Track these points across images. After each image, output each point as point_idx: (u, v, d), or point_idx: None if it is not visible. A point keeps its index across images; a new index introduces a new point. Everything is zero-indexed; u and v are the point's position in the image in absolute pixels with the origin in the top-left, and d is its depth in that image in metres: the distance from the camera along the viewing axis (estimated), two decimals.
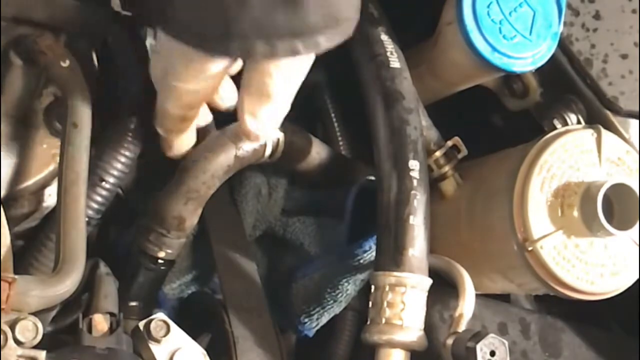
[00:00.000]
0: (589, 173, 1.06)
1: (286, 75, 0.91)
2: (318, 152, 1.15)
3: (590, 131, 1.08)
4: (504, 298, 1.23)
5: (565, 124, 1.12)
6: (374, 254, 1.09)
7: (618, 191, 1.02)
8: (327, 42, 0.87)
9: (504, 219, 1.04)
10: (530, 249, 1.02)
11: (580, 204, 1.03)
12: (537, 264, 1.03)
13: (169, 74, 0.93)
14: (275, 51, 0.85)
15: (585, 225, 1.03)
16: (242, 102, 0.94)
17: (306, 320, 1.17)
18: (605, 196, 1.01)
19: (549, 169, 1.04)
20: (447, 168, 1.13)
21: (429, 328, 1.03)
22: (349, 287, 1.14)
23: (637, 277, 1.08)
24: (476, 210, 1.09)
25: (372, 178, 1.12)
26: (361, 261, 1.12)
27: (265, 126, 0.95)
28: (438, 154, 1.12)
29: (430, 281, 1.01)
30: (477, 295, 1.05)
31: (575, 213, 1.03)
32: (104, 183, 1.01)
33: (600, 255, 1.05)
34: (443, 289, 1.08)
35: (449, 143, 1.12)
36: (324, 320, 1.17)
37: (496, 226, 1.06)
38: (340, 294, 1.14)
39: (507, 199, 1.04)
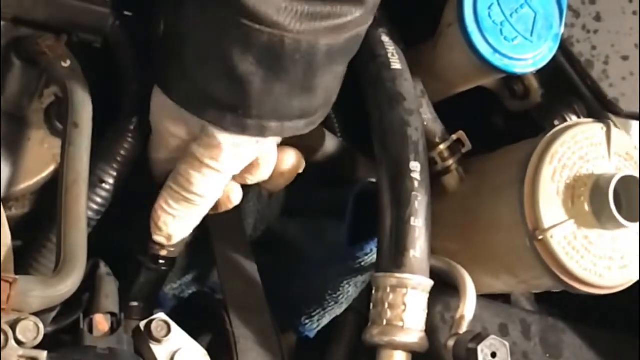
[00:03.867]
0: (598, 165, 1.06)
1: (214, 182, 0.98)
2: (326, 146, 1.15)
3: (600, 125, 1.08)
4: (505, 299, 1.23)
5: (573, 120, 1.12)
6: (374, 255, 1.09)
7: (626, 184, 1.02)
8: (319, 119, 0.99)
9: (512, 210, 1.04)
10: (540, 238, 1.02)
11: (590, 195, 1.03)
12: (547, 254, 1.03)
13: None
14: (284, 130, 0.95)
15: (595, 217, 1.03)
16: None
17: (307, 321, 1.17)
18: (614, 189, 1.01)
19: (560, 159, 1.04)
20: (450, 162, 1.13)
21: (430, 329, 1.03)
22: (350, 289, 1.14)
23: None
24: (482, 204, 1.09)
25: (374, 180, 1.13)
26: (362, 263, 1.12)
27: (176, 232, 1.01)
28: (442, 147, 1.12)
29: (431, 282, 1.01)
30: (477, 296, 1.05)
31: (586, 204, 1.03)
32: (103, 184, 1.00)
33: (608, 248, 1.05)
34: (444, 290, 1.08)
35: (454, 137, 1.13)
36: (325, 321, 1.17)
37: (504, 218, 1.06)
38: (341, 296, 1.14)
39: (517, 189, 1.04)
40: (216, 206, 1.03)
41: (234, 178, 1.02)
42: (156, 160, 1.04)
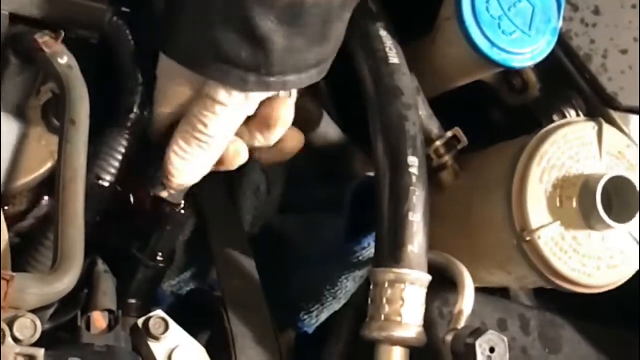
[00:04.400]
0: (588, 165, 1.05)
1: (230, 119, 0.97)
2: (326, 130, 1.15)
3: (591, 124, 1.08)
4: (504, 294, 1.22)
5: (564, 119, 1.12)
6: (372, 250, 1.08)
7: (617, 184, 1.02)
8: (328, 65, 0.99)
9: (502, 209, 1.04)
10: (527, 239, 1.02)
11: (578, 195, 1.03)
12: (534, 255, 1.03)
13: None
14: (302, 81, 0.96)
15: (583, 218, 1.03)
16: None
17: (305, 317, 1.17)
18: (604, 189, 1.00)
19: (549, 160, 1.04)
20: (446, 158, 1.12)
21: (428, 324, 1.02)
22: (348, 284, 1.14)
23: (635, 270, 1.07)
24: (474, 201, 1.09)
25: (371, 174, 1.12)
26: (360, 257, 1.12)
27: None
28: (438, 143, 1.12)
29: (429, 277, 1.01)
30: (476, 291, 1.05)
31: (574, 205, 1.03)
32: (100, 181, 1.00)
33: (597, 248, 1.04)
34: (442, 285, 1.08)
35: (449, 133, 1.12)
36: (323, 317, 1.17)
37: (494, 216, 1.06)
38: (339, 291, 1.15)
39: (506, 188, 1.04)
40: (221, 162, 1.02)
41: (243, 137, 1.02)
42: (160, 114, 1.02)
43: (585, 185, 1.02)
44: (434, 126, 1.13)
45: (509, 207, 1.03)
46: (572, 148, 1.06)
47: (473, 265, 1.06)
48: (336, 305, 1.16)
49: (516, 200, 1.03)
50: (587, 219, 1.02)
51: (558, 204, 1.04)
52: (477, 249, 1.09)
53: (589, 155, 1.06)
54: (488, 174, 1.09)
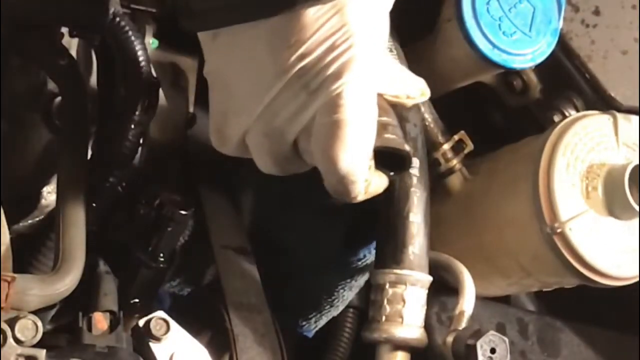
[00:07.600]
0: (609, 156, 1.06)
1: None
2: None
3: (606, 116, 1.08)
4: (503, 299, 1.22)
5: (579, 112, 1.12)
6: (370, 259, 1.09)
7: (635, 174, 1.02)
8: None
9: (526, 205, 1.04)
10: (559, 231, 1.02)
11: (604, 186, 1.03)
12: (566, 248, 1.02)
13: None
14: None
15: (610, 207, 1.03)
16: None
17: (304, 323, 1.17)
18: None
19: (572, 150, 1.05)
20: (454, 162, 1.13)
21: (427, 330, 1.02)
22: (345, 293, 1.14)
23: None
24: (492, 203, 1.09)
25: None
26: (357, 267, 1.12)
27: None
28: (446, 147, 1.12)
29: (430, 278, 1.01)
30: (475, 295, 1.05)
31: (600, 195, 1.04)
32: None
33: (623, 238, 1.05)
34: (441, 290, 1.08)
35: (456, 137, 1.12)
36: (322, 322, 1.17)
37: (517, 214, 1.06)
38: (336, 300, 1.15)
39: (531, 183, 1.04)
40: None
41: None
42: (231, 135, 0.87)
43: (611, 175, 1.03)
44: (440, 130, 1.13)
45: (536, 201, 1.03)
46: (593, 139, 1.06)
47: (487, 273, 1.06)
48: (335, 312, 1.16)
49: (544, 193, 1.03)
50: (614, 208, 1.03)
51: (585, 195, 1.04)
52: (495, 254, 1.09)
53: (608, 146, 1.07)
54: (505, 173, 1.09)
